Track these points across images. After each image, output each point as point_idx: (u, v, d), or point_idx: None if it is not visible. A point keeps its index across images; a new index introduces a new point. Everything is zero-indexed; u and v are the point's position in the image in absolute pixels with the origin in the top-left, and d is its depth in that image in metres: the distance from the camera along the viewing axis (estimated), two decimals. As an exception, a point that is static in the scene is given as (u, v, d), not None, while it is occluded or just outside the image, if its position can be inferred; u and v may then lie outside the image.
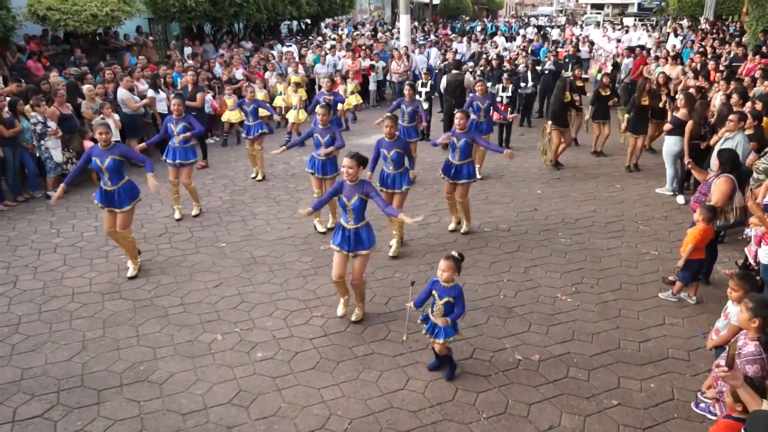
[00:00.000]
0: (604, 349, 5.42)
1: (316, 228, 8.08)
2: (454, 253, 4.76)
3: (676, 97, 9.97)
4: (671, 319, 5.90)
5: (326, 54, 17.25)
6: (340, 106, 12.28)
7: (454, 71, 12.39)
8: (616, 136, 11.99)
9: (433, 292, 4.78)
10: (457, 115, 7.54)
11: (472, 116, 9.64)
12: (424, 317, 4.91)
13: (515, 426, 4.48)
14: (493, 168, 10.70)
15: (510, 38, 25.50)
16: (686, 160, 7.16)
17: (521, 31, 30.44)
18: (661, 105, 10.66)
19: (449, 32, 28.91)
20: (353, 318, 5.86)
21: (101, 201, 6.65)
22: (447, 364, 4.99)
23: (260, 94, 13.23)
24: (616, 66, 16.79)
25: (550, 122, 10.84)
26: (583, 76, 12.30)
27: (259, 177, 10.48)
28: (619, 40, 23.58)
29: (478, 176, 9.87)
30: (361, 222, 5.56)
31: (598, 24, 35.10)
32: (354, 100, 14.87)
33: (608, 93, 11.31)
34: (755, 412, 3.20)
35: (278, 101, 14.02)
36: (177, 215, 8.60)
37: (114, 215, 6.68)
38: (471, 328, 5.74)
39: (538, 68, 15.05)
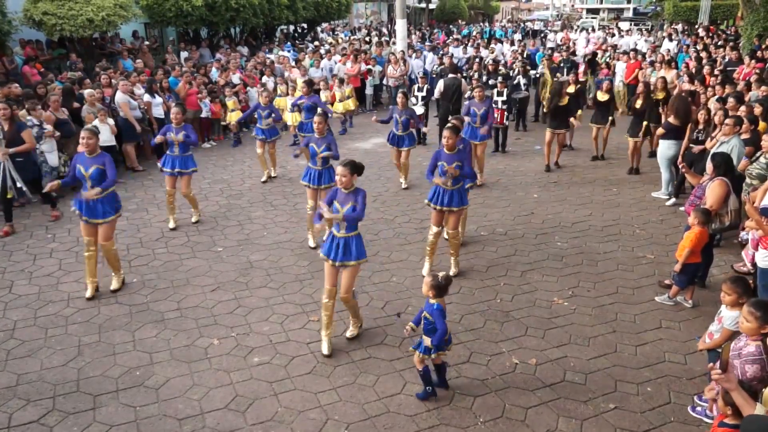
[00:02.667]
0: (601, 353, 5.42)
1: (308, 242, 7.83)
2: (439, 275, 4.59)
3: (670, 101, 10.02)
4: (668, 323, 5.91)
5: (322, 58, 17.28)
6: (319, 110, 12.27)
7: (450, 75, 12.36)
8: (614, 139, 12.05)
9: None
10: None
11: (467, 119, 9.60)
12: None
13: (512, 430, 4.48)
14: (490, 172, 10.72)
15: (510, 42, 25.60)
16: (679, 162, 7.17)
17: (515, 36, 30.58)
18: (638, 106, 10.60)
19: (446, 37, 29.00)
20: (348, 335, 5.66)
21: (81, 210, 6.30)
22: (422, 379, 4.77)
23: (280, 88, 13.60)
24: (593, 65, 17.31)
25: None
26: (580, 79, 12.38)
27: (274, 174, 10.76)
28: (605, 40, 24.11)
29: (478, 181, 9.86)
30: (352, 231, 5.34)
31: (593, 29, 35.29)
32: (351, 104, 14.89)
33: (607, 98, 11.37)
34: (749, 416, 3.19)
35: (276, 103, 14.02)
36: (171, 224, 8.42)
37: (93, 226, 6.35)
38: (468, 332, 5.74)
39: (532, 73, 15.14)
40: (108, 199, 6.31)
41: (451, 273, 6.81)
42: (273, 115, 10.43)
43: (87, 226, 6.38)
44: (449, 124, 6.72)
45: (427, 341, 4.60)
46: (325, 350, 5.40)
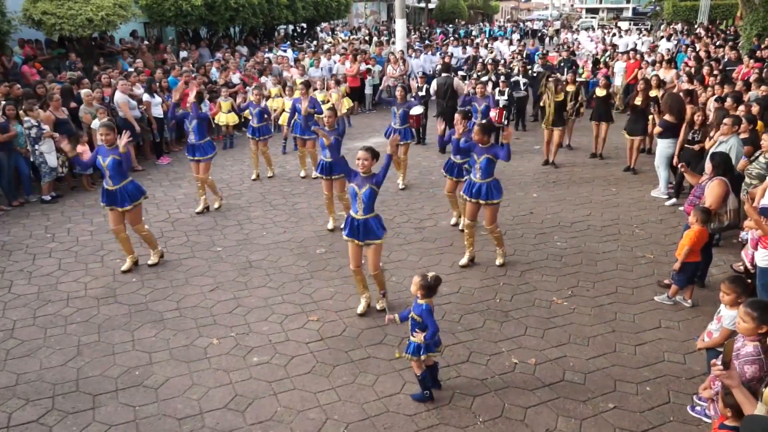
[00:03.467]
0: (600, 353, 5.43)
1: (328, 224, 8.31)
2: (428, 274, 4.60)
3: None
4: (667, 323, 5.92)
5: (321, 58, 17.27)
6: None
7: (443, 74, 12.45)
8: (612, 139, 12.04)
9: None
10: (456, 117, 7.43)
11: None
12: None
13: (512, 430, 4.48)
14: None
15: (509, 42, 25.67)
16: (675, 162, 7.17)
17: (515, 36, 30.64)
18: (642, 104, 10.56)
19: (444, 36, 29.04)
20: (378, 306, 6.06)
21: (104, 200, 6.81)
22: (419, 383, 4.77)
23: (275, 90, 13.56)
24: (596, 63, 17.49)
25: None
26: (578, 79, 12.38)
27: (270, 174, 10.86)
28: (603, 40, 24.22)
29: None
30: (370, 213, 5.70)
31: (593, 28, 35.35)
32: (345, 104, 14.85)
33: (605, 93, 11.37)
34: (749, 417, 3.19)
35: (272, 104, 13.98)
36: (209, 205, 9.08)
37: (120, 214, 6.82)
38: (467, 332, 5.75)
39: (530, 70, 15.18)
40: (128, 188, 6.75)
41: (498, 263, 7.16)
42: (265, 114, 10.51)
43: (113, 215, 6.84)
44: (482, 122, 6.92)
45: (415, 339, 4.55)
46: (360, 310, 6.04)
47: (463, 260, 7.17)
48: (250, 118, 10.46)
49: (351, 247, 5.88)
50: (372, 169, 5.70)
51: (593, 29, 34.98)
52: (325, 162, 7.93)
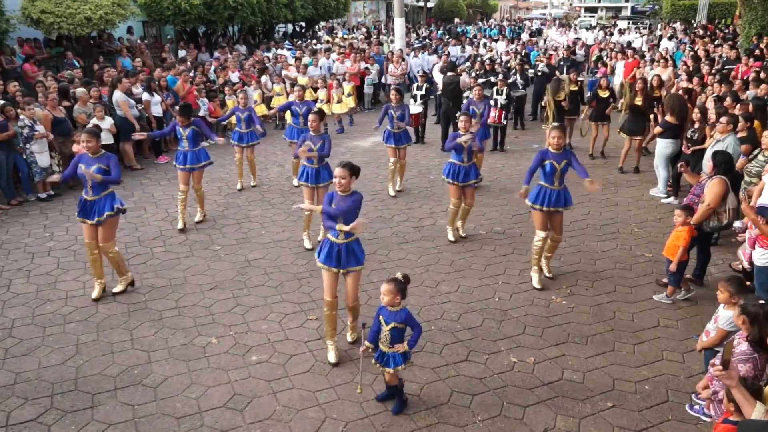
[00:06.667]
0: (599, 352, 5.43)
1: (304, 243, 7.70)
2: (398, 275, 4.37)
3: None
4: (665, 321, 5.92)
5: (320, 57, 17.29)
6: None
7: (449, 73, 12.44)
8: (612, 138, 12.03)
9: (380, 317, 4.39)
10: (461, 118, 7.61)
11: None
12: (378, 355, 4.50)
13: (510, 428, 4.49)
14: (488, 171, 10.72)
15: (509, 41, 25.70)
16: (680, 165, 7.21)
17: (523, 36, 30.70)
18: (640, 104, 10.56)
19: (436, 34, 29.14)
20: (349, 339, 5.58)
21: (79, 212, 6.18)
22: (396, 395, 4.65)
23: (255, 94, 13.45)
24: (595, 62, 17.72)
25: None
26: (579, 78, 12.37)
27: (254, 183, 10.34)
28: (602, 40, 24.50)
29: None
30: (351, 236, 5.07)
31: (593, 28, 35.39)
32: (351, 102, 14.88)
33: (607, 94, 11.37)
34: (744, 422, 3.22)
35: (275, 102, 13.98)
36: (180, 225, 8.28)
37: (94, 228, 6.18)
38: (466, 331, 5.75)
39: (529, 69, 15.19)
40: (106, 199, 6.13)
41: (547, 275, 6.84)
42: (253, 118, 9.89)
43: (88, 228, 6.20)
44: (556, 124, 6.61)
45: (399, 349, 4.39)
46: (332, 359, 5.25)
47: (450, 236, 7.29)
48: (235, 122, 9.94)
49: (327, 275, 5.15)
50: (351, 187, 5.06)
51: (591, 28, 34.98)
52: (309, 169, 7.36)
